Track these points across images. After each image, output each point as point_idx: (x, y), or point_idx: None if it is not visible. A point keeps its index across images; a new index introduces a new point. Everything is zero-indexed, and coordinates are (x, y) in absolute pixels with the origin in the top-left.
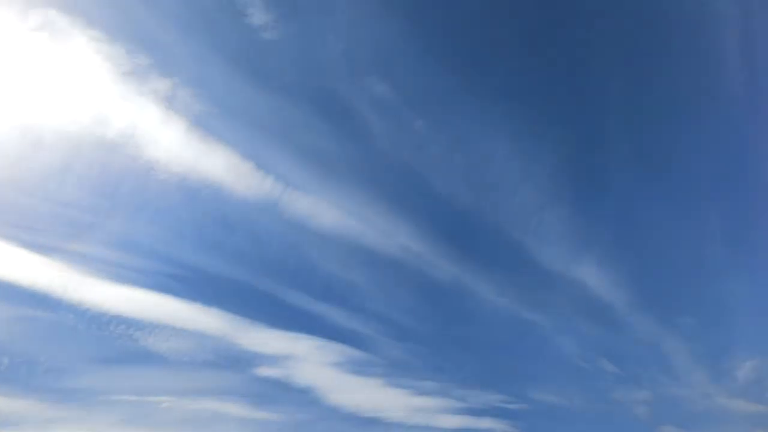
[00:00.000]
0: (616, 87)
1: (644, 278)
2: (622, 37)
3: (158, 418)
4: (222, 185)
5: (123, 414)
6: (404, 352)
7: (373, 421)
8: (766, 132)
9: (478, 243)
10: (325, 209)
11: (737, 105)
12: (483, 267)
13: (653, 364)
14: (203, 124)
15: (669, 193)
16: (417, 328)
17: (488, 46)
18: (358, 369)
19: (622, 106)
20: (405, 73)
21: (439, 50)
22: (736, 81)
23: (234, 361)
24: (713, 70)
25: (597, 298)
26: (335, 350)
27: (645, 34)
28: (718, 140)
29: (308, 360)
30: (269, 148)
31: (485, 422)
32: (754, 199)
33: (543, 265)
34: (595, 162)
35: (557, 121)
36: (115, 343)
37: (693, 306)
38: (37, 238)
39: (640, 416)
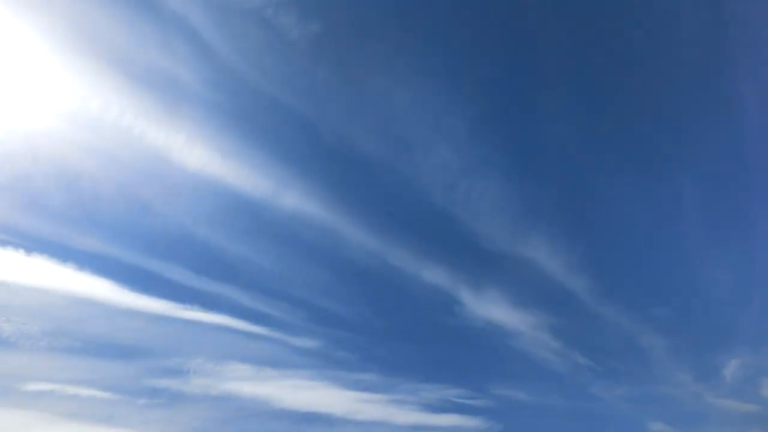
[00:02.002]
0: (563, 19)
1: (607, 262)
2: None
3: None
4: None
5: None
6: (330, 342)
7: (313, 417)
8: (738, 109)
9: (396, 211)
10: (182, 144)
11: (704, 71)
12: (409, 241)
13: (631, 358)
14: None
15: (632, 163)
16: (339, 312)
17: None
18: (277, 359)
19: (570, 48)
20: None
21: None
22: (701, 46)
23: (117, 349)
24: (677, 29)
25: (556, 284)
26: (246, 338)
27: None
28: (698, 105)
29: (217, 348)
30: (88, 60)
31: (448, 419)
32: (741, 181)
33: (481, 242)
34: (538, 116)
35: (487, 64)
36: None
37: (669, 297)
38: None
39: (625, 413)
